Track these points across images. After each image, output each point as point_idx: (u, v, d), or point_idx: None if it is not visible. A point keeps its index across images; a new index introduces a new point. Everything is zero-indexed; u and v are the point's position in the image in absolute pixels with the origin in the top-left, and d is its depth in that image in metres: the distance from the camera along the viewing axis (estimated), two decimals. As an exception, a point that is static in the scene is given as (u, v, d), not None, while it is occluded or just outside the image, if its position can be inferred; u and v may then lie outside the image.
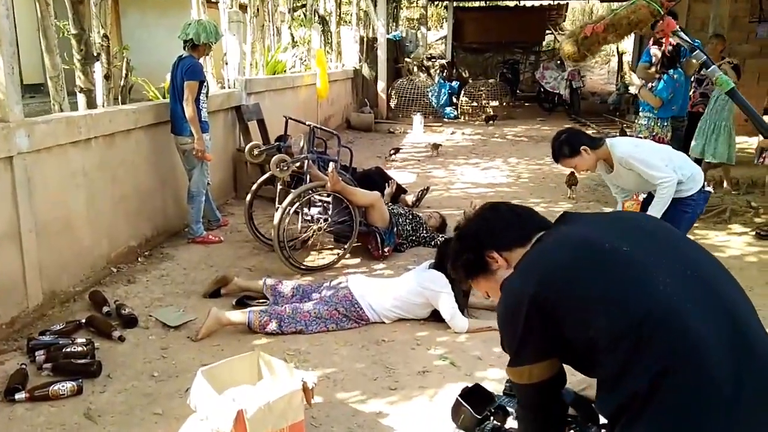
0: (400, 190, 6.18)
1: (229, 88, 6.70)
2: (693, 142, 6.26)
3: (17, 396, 2.71)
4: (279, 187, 4.75)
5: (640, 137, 5.66)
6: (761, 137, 5.64)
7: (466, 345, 3.35)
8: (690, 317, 1.13)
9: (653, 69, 5.85)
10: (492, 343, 3.30)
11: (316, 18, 10.83)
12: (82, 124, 3.92)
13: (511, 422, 1.62)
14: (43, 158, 3.57)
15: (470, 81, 15.21)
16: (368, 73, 13.09)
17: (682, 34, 2.43)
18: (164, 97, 6.46)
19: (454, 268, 1.61)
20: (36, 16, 3.99)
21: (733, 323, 1.15)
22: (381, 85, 12.72)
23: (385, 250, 4.64)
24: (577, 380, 1.56)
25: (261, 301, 3.80)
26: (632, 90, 10.87)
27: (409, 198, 6.11)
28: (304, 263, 4.50)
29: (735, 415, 1.08)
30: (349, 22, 13.90)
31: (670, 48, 5.31)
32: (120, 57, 5.15)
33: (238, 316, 3.46)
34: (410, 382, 2.99)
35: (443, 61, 15.85)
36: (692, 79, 6.45)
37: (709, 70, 2.25)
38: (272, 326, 3.40)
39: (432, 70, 15.56)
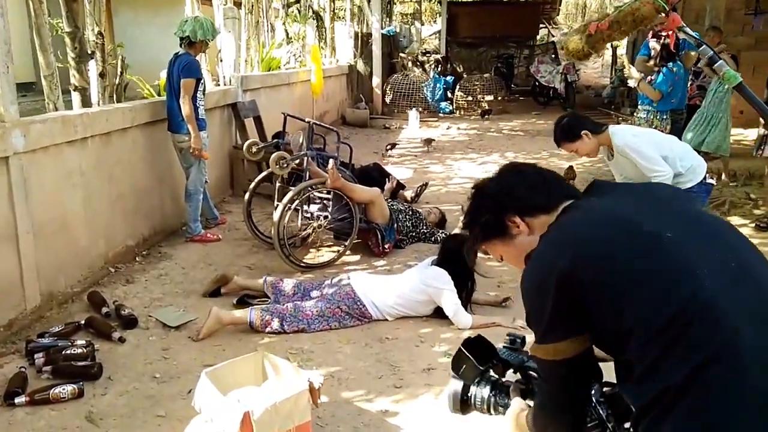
0: (399, 185, 6.15)
1: (225, 85, 6.65)
2: (688, 134, 6.25)
3: (17, 400, 2.67)
4: (278, 184, 4.71)
5: None
6: (761, 128, 5.64)
7: (470, 341, 3.33)
8: (730, 312, 1.09)
9: (652, 62, 5.84)
10: (496, 339, 3.26)
11: (311, 13, 10.77)
12: (78, 123, 3.86)
13: (510, 375, 1.57)
14: (39, 158, 3.52)
15: (465, 76, 15.17)
16: (363, 69, 13.04)
17: (688, 29, 2.41)
18: (159, 95, 6.42)
19: (470, 228, 1.50)
20: (26, 13, 3.94)
21: None
22: (376, 80, 12.67)
23: (386, 246, 4.61)
24: None
25: (262, 299, 3.76)
26: (631, 83, 10.85)
27: (408, 194, 6.08)
28: (304, 261, 4.46)
29: None
30: (343, 17, 13.83)
31: (674, 42, 5.28)
32: (115, 55, 5.10)
33: (239, 315, 3.42)
34: (415, 379, 2.96)
35: (438, 56, 15.79)
36: (689, 72, 6.44)
37: (716, 65, 2.21)
38: (274, 325, 3.37)
39: (427, 65, 15.51)
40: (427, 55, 16.98)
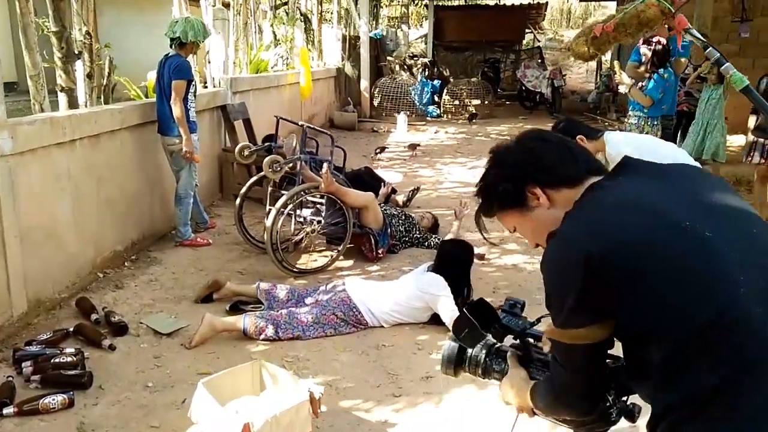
0: (391, 190, 6.11)
1: (214, 87, 6.56)
2: (687, 140, 6.30)
3: (5, 410, 2.58)
4: (269, 188, 4.65)
5: None
6: (750, 135, 5.69)
7: (467, 348, 3.29)
8: (764, 320, 1.06)
9: (643, 68, 5.86)
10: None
11: (299, 15, 10.71)
12: (67, 125, 3.77)
13: (509, 340, 1.53)
14: (27, 161, 3.43)
15: (452, 80, 15.20)
16: (351, 72, 12.99)
17: (694, 31, 2.39)
18: (147, 96, 6.31)
19: (485, 196, 1.38)
20: (8, 12, 3.85)
21: None
22: (364, 83, 12.64)
23: (379, 251, 4.57)
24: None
25: (255, 306, 3.70)
26: (622, 89, 10.89)
27: (400, 198, 6.05)
28: (297, 266, 4.40)
29: None
30: (330, 20, 13.78)
31: (676, 45, 5.30)
32: (102, 55, 5.00)
33: (233, 321, 3.36)
34: (414, 388, 2.92)
35: (426, 60, 15.81)
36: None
37: (723, 67, 2.20)
38: (269, 332, 3.31)
39: (414, 69, 15.51)
40: (415, 58, 16.98)
